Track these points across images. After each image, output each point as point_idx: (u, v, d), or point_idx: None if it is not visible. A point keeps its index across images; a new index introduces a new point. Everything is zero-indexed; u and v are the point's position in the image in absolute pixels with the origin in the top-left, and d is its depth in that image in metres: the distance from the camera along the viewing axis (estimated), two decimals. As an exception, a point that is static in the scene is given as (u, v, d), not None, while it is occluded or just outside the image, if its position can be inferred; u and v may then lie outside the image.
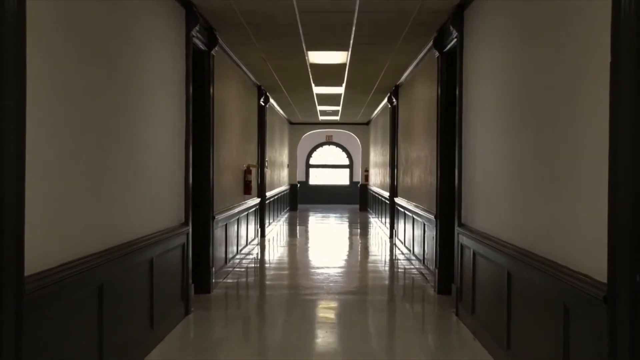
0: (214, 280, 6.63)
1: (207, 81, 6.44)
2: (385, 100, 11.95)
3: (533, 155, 3.65)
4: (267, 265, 8.92)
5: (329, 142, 22.67)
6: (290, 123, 18.64)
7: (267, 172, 12.13)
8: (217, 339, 4.95)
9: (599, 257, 2.66)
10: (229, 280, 7.30)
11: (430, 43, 6.82)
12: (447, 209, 6.39)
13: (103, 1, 3.55)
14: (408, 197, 9.22)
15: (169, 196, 5.05)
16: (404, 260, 8.96)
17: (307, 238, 12.62)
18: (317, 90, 11.16)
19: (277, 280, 7.66)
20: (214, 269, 6.65)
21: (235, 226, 8.27)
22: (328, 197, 22.40)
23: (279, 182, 15.32)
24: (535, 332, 3.50)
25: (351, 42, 7.07)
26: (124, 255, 3.82)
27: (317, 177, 23.11)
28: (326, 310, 6.08)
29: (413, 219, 8.43)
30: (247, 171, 9.11)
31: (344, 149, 22.71)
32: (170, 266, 5.02)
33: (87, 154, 3.34)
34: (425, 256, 7.44)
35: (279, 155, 15.43)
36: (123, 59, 3.91)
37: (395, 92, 10.65)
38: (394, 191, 11.05)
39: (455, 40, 5.81)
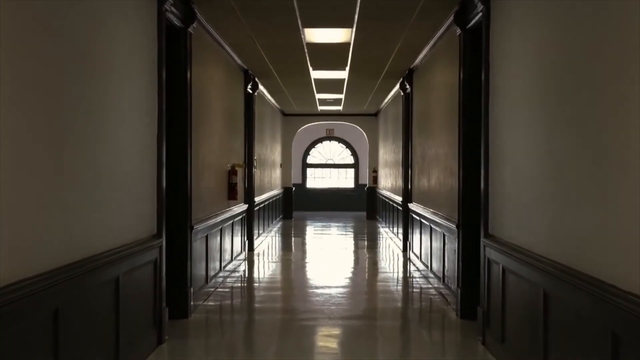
0: (192, 303, 6.62)
1: (184, 64, 6.43)
2: (397, 86, 11.96)
3: (575, 153, 3.63)
4: (256, 284, 8.90)
5: (330, 137, 22.68)
6: (284, 114, 18.64)
7: (256, 173, 12.13)
8: (196, 374, 4.94)
9: (654, 274, 2.64)
10: (210, 303, 7.29)
11: (451, 18, 6.81)
12: (471, 216, 6.38)
13: (58, -31, 3.54)
14: (424, 203, 9.21)
15: (138, 203, 5.04)
16: (420, 278, 8.95)
17: (304, 252, 12.60)
18: (316, 74, 11.15)
19: (269, 302, 7.64)
20: (192, 290, 6.63)
21: (218, 238, 8.26)
22: (329, 203, 22.40)
23: (270, 185, 15.31)
24: (577, 365, 3.48)
25: (356, 17, 7.06)
26: (84, 274, 3.81)
27: (316, 179, 23.10)
28: (327, 338, 6.06)
29: (431, 228, 8.43)
30: (232, 172, 9.10)
31: (348, 145, 22.71)
32: (140, 286, 5.01)
33: (37, 154, 3.32)
34: (446, 273, 7.43)
35: (271, 153, 15.43)
36: (79, 37, 3.89)
37: (408, 77, 10.65)
38: (407, 196, 11.04)
39: (480, 14, 5.80)
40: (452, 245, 6.95)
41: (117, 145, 4.52)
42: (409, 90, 10.89)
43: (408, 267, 10.05)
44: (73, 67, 3.76)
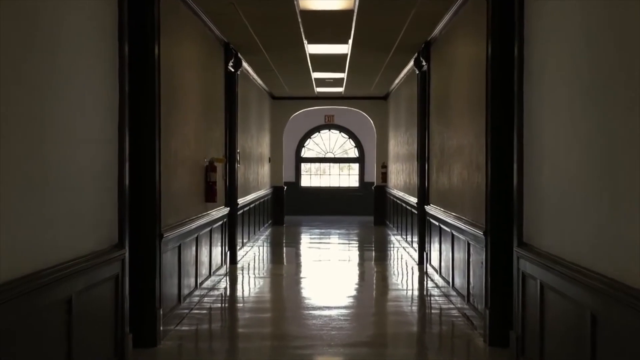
0: (161, 328, 6.60)
1: (151, 37, 6.39)
2: (411, 63, 11.94)
3: (630, 144, 3.61)
4: (240, 304, 8.88)
5: (329, 125, 22.67)
6: (273, 98, 18.63)
7: (240, 169, 12.11)
8: (166, 415, 4.92)
9: None
10: (184, 328, 7.27)
11: (476, -20, 6.79)
12: (501, 221, 6.36)
13: None
14: (445, 205, 9.20)
15: (96, 206, 5.02)
16: (439, 296, 8.94)
17: (298, 265, 12.58)
18: (312, 49, 11.13)
19: (255, 326, 7.63)
20: (161, 311, 6.62)
21: (194, 248, 8.24)
22: (328, 206, 22.39)
23: (256, 183, 15.30)
24: (632, 402, 3.47)
25: (360, -22, 7.04)
26: (29, 293, 3.78)
27: (313, 177, 23.09)
28: (326, 370, 6.06)
29: (452, 236, 8.42)
30: (211, 168, 9.09)
31: (352, 135, 22.70)
32: (98, 308, 4.98)
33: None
34: (471, 290, 7.42)
35: (257, 145, 15.41)
36: (20, 2, 3.86)
37: (425, 51, 10.63)
38: (424, 196, 11.03)
39: (512, -25, 5.79)
40: (479, 256, 6.93)
41: (69, 136, 4.49)
42: (425, 67, 10.87)
43: (425, 283, 10.04)
44: (13, 40, 3.72)
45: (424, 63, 10.82)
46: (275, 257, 13.68)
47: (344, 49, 11.10)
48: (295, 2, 8.00)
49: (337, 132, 22.82)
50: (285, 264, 12.83)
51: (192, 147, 8.35)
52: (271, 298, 9.52)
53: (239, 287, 10.02)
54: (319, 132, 22.85)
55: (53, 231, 4.23)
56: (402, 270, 11.46)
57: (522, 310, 5.47)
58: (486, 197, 6.61)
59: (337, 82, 15.55)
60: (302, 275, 11.36)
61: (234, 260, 11.49)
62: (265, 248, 14.52)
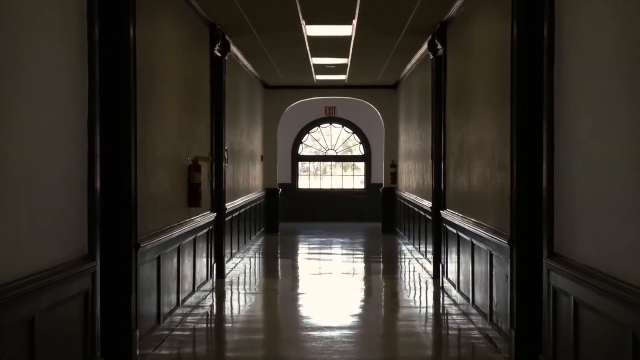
0: (138, 352, 6.60)
1: (125, 16, 6.39)
2: (425, 46, 11.94)
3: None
4: (228, 324, 8.87)
5: (331, 118, 22.66)
6: (266, 87, 18.62)
7: (228, 168, 12.11)
8: None
9: None
10: (164, 352, 7.27)
11: (499, -50, 6.79)
12: (528, 228, 6.35)
13: None
14: (464, 210, 9.20)
15: (62, 211, 5.00)
16: (457, 314, 8.94)
17: (295, 279, 12.59)
18: (311, 30, 11.12)
19: (246, 349, 7.63)
20: (138, 333, 6.61)
21: (175, 260, 8.23)
22: (329, 211, 22.38)
23: (247, 185, 15.30)
24: None
25: (366, -51, 7.04)
26: (-15, 312, 3.77)
27: (312, 178, 23.08)
28: (328, 400, 6.06)
29: (472, 245, 8.42)
30: (194, 168, 9.08)
31: (356, 130, 22.69)
32: (65, 328, 4.97)
33: None
34: (494, 308, 7.42)
35: (247, 141, 15.41)
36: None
37: (440, 33, 10.63)
38: (440, 200, 11.03)
39: (541, -56, 5.78)
40: (503, 268, 6.93)
41: (30, 131, 4.48)
42: (441, 51, 10.86)
43: (441, 299, 10.04)
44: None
45: (439, 46, 10.81)
46: (269, 269, 13.66)
47: (347, 30, 11.09)
48: (291, -23, 8.01)
49: (340, 126, 22.81)
50: (280, 277, 12.82)
51: (173, 144, 8.35)
52: (264, 317, 9.51)
53: (227, 304, 10.01)
54: (319, 126, 22.84)
55: (11, 241, 4.21)
56: (414, 284, 11.46)
57: (552, 331, 5.46)
58: (511, 200, 6.60)
59: (339, 69, 15.55)
60: (299, 290, 11.36)
61: (221, 274, 11.48)
62: (257, 259, 14.51)
